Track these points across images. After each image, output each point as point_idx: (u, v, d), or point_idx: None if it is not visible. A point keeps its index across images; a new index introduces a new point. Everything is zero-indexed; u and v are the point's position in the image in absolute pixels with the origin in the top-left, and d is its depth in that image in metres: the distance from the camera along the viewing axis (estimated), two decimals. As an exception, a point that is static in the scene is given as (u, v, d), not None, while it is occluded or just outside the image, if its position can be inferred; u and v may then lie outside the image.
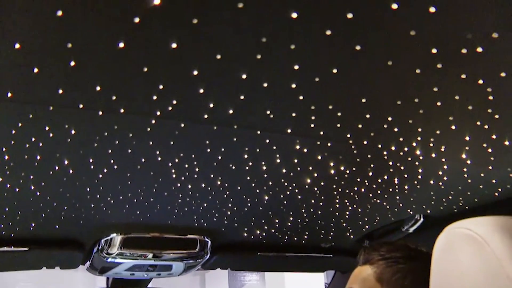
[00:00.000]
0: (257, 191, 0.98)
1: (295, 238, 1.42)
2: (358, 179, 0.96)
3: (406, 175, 0.95)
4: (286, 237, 1.40)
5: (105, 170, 0.83)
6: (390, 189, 1.03)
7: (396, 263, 0.94)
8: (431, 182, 0.99)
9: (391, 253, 0.96)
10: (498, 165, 0.90)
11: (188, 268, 1.45)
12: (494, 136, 0.76)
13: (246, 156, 0.80)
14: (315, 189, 0.99)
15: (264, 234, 1.34)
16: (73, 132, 0.68)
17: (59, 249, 1.29)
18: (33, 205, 1.00)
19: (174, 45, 0.50)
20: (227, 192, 0.98)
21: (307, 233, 1.38)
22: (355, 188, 1.01)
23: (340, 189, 1.01)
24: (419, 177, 0.96)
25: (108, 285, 1.62)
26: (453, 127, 0.72)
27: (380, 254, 0.97)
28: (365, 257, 1.00)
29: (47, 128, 0.66)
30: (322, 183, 0.96)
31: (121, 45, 0.49)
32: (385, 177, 0.95)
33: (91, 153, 0.76)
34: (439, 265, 0.64)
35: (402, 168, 0.90)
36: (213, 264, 1.51)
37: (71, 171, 0.83)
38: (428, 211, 1.22)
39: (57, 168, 0.81)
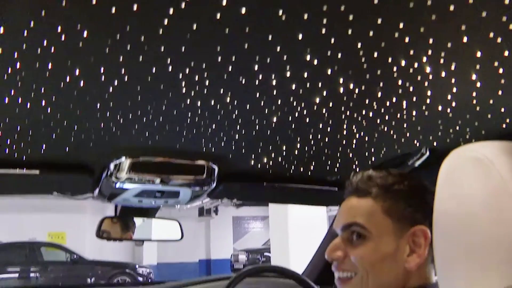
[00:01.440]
0: (266, 111, 0.98)
1: (302, 169, 1.44)
2: (367, 101, 0.95)
3: (414, 98, 0.94)
4: (293, 167, 1.41)
5: (116, 83, 0.83)
6: (398, 115, 1.03)
7: (404, 196, 0.94)
8: (439, 108, 0.99)
9: (395, 186, 0.95)
10: (507, 90, 0.89)
11: (195, 197, 1.48)
12: (506, 53, 0.75)
13: (256, 68, 0.79)
14: (323, 111, 0.99)
15: (271, 162, 1.35)
16: (85, 34, 0.67)
17: (69, 174, 1.32)
18: (44, 124, 1.01)
19: None
20: (236, 112, 0.98)
21: (313, 163, 1.39)
22: (363, 112, 1.01)
23: (348, 112, 1.01)
24: (428, 101, 0.96)
25: (116, 213, 1.65)
26: (465, 39, 0.71)
27: (382, 186, 0.95)
28: (362, 188, 0.97)
29: (59, 29, 0.66)
30: (330, 104, 0.96)
31: None
32: (394, 99, 0.95)
33: (103, 61, 0.76)
34: (444, 187, 0.65)
35: (411, 89, 0.90)
36: (220, 193, 1.53)
37: (82, 83, 0.83)
38: (435, 143, 1.22)
39: (68, 79, 0.81)
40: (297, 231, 6.57)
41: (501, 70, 0.81)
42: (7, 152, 1.16)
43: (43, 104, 0.91)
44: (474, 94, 0.91)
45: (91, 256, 11.36)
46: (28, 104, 0.91)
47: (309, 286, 1.80)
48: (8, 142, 1.10)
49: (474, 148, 0.63)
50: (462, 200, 0.61)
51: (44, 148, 1.15)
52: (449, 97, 0.93)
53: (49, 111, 0.95)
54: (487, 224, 0.57)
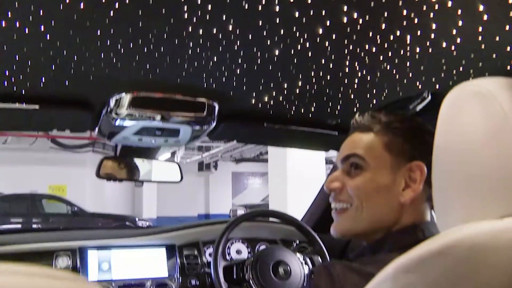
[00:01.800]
0: (268, 42, 0.97)
1: (302, 110, 1.43)
2: (370, 33, 0.94)
3: (419, 32, 0.93)
4: (294, 108, 1.41)
5: (117, 5, 0.81)
6: (401, 51, 1.02)
7: (404, 133, 0.96)
8: (443, 44, 0.98)
9: (396, 123, 0.98)
10: None
11: (195, 136, 1.48)
12: None
13: None
14: (326, 44, 0.98)
15: (271, 102, 1.35)
16: None
17: (69, 109, 1.31)
18: (43, 53, 0.99)
19: None
20: (238, 42, 0.97)
21: (314, 104, 1.39)
22: (366, 47, 1.00)
23: (351, 47, 1.00)
24: (432, 36, 0.94)
25: (116, 153, 1.65)
26: None
27: (384, 123, 0.98)
28: (365, 124, 1.00)
29: None
30: (333, 36, 0.95)
31: None
32: (398, 33, 0.93)
33: None
34: (445, 121, 0.65)
35: (415, 21, 0.88)
36: (220, 134, 1.53)
37: (81, 5, 0.81)
38: (437, 86, 1.21)
39: (67, 0, 0.79)
40: (296, 187, 6.63)
41: (510, 0, 0.79)
42: (5, 84, 1.15)
43: (42, 29, 0.89)
44: (480, 29, 0.90)
45: (92, 209, 11.52)
46: (27, 29, 0.89)
47: (307, 231, 1.83)
48: (7, 74, 1.09)
49: (477, 83, 0.63)
50: (463, 132, 0.61)
51: (43, 81, 1.14)
52: (454, 31, 0.92)
53: (48, 38, 0.93)
54: (487, 156, 0.57)
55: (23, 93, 1.21)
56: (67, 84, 1.16)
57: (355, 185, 0.95)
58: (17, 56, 1.00)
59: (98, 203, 13.58)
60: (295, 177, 6.72)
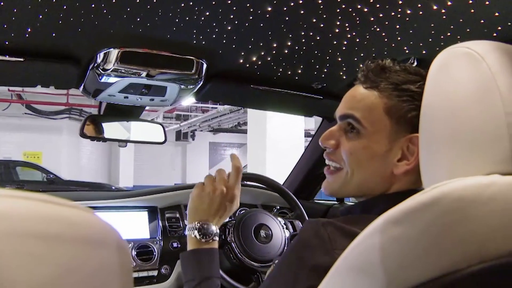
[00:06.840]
0: None
1: (289, 72, 1.44)
2: None
3: None
4: (281, 69, 1.41)
5: None
6: (393, 13, 1.03)
7: (412, 99, 0.85)
8: (434, 7, 0.98)
9: (407, 85, 0.87)
10: None
11: (181, 96, 1.47)
12: None
13: None
14: (320, 1, 0.98)
15: (259, 62, 1.34)
16: None
17: (56, 63, 1.27)
18: (29, 0, 0.96)
19: None
20: None
21: (301, 66, 1.39)
22: (359, 6, 1.00)
23: (343, 5, 1.00)
24: None
25: (100, 112, 1.63)
26: None
27: (392, 82, 0.87)
28: (372, 79, 0.89)
29: None
30: None
31: None
32: None
33: None
34: (434, 81, 0.66)
35: None
36: (206, 94, 1.52)
37: None
38: (424, 52, 1.22)
39: None
40: (274, 157, 6.66)
41: None
42: None
43: None
44: None
45: (68, 177, 11.42)
46: None
47: (289, 196, 1.84)
48: None
49: (466, 44, 0.64)
50: (451, 91, 0.62)
51: (29, 31, 1.10)
52: None
53: None
54: (473, 115, 0.59)
55: (7, 44, 1.16)
56: (54, 35, 1.13)
57: (348, 150, 0.89)
58: (1, 3, 0.96)
59: (74, 171, 13.47)
60: (274, 148, 6.75)
